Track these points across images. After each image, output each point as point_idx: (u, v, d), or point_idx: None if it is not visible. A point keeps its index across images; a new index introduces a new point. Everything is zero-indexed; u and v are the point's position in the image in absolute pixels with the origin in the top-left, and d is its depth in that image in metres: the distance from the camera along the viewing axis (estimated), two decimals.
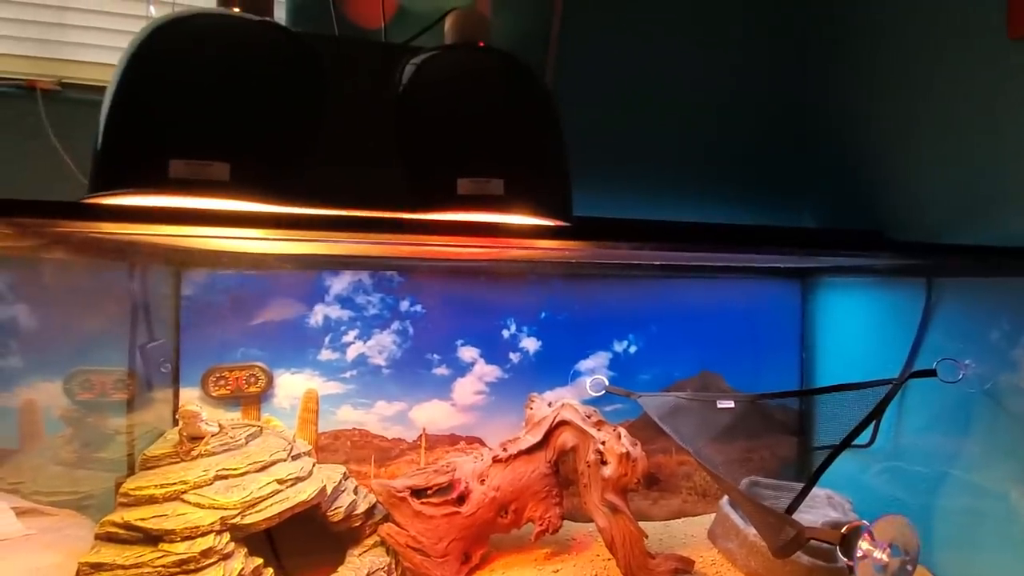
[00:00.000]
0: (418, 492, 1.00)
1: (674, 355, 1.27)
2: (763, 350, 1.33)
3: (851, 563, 0.68)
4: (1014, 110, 0.92)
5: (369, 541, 0.94)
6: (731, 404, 1.08)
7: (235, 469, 0.83)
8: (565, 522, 1.08)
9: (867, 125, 1.19)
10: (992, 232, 0.94)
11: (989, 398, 0.97)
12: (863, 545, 0.68)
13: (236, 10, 0.64)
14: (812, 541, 0.76)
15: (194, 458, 0.84)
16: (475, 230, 0.60)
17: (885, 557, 0.68)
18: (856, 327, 1.25)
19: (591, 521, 1.12)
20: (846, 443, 1.01)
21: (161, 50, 0.58)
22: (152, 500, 0.76)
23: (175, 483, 0.78)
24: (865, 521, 0.70)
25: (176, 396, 0.99)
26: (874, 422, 1.13)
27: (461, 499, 1.01)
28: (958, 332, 1.03)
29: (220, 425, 0.91)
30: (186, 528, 0.72)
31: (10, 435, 0.87)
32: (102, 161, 0.58)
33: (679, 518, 1.27)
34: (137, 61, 0.58)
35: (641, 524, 1.09)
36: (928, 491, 1.08)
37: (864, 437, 1.14)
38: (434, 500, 0.99)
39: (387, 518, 0.97)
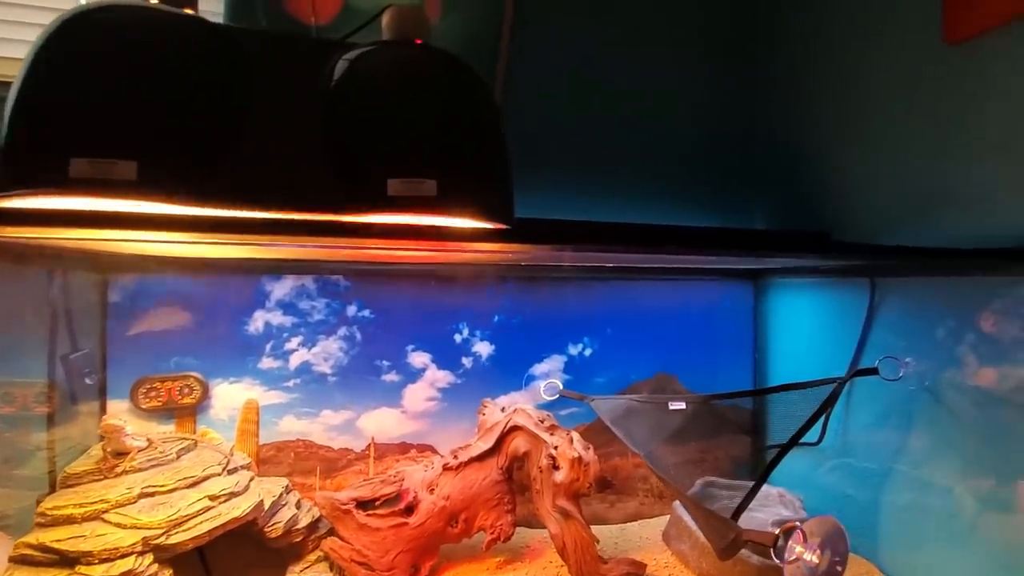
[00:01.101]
0: (364, 504, 0.97)
1: (629, 357, 1.27)
2: (717, 351, 1.34)
3: (783, 564, 0.68)
4: (950, 113, 0.95)
5: (312, 557, 0.91)
6: (682, 406, 1.09)
7: (163, 486, 0.79)
8: (519, 529, 1.07)
9: (814, 128, 1.22)
10: (933, 232, 0.97)
11: (931, 395, 1.00)
12: (795, 547, 0.68)
13: (153, 1, 0.60)
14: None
15: (118, 475, 0.79)
16: (400, 233, 0.57)
17: (815, 558, 0.68)
18: (806, 326, 1.28)
19: (543, 527, 1.11)
20: (793, 441, 1.02)
21: (65, 43, 0.54)
22: (70, 520, 0.71)
23: (95, 502, 0.73)
24: (798, 523, 0.70)
25: (103, 409, 0.93)
26: (822, 420, 1.15)
27: (409, 509, 0.98)
28: (901, 330, 1.06)
29: (149, 439, 0.87)
30: (104, 550, 0.67)
31: None
32: (1, 161, 0.54)
33: (635, 520, 1.26)
34: (40, 54, 0.54)
35: (597, 527, 1.08)
36: (876, 487, 1.10)
37: (813, 435, 1.16)
38: (381, 512, 0.96)
39: (331, 532, 0.94)
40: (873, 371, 1.03)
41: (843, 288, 1.19)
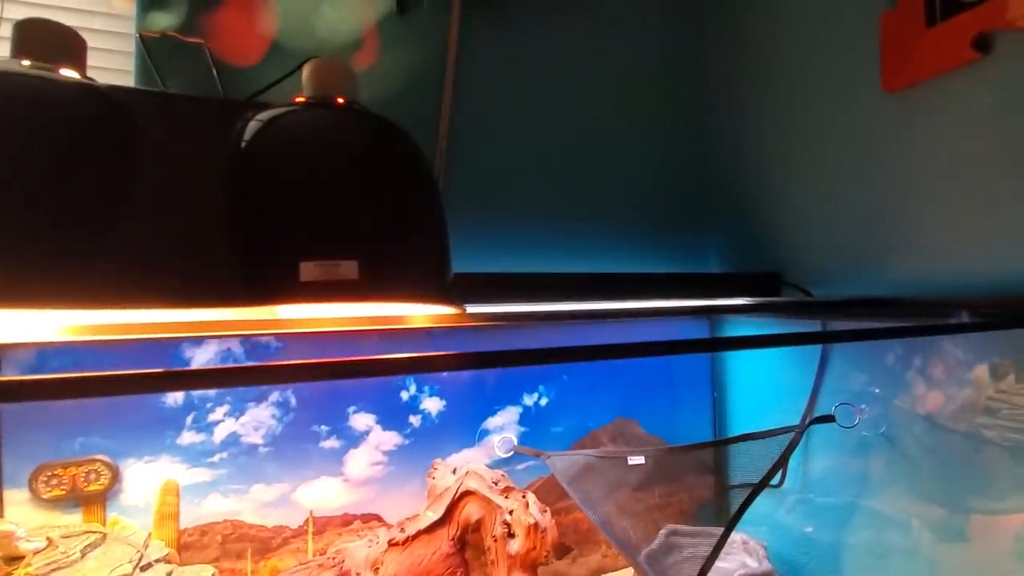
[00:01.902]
0: None
1: (587, 403, 1.23)
2: (676, 393, 1.31)
3: None
4: (889, 159, 0.95)
5: None
6: (641, 460, 1.05)
7: None
8: None
9: (766, 171, 1.22)
10: (877, 275, 0.97)
11: (886, 436, 0.99)
12: None
13: (25, 63, 0.52)
14: None
15: None
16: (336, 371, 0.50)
17: None
18: (763, 364, 1.26)
19: None
20: (756, 493, 1.00)
21: None
22: None
23: None
24: None
25: (0, 501, 0.82)
26: (784, 464, 1.14)
27: None
28: (859, 365, 1.05)
29: (48, 538, 0.76)
30: None
31: None
32: None
33: (600, 575, 1.21)
34: None
35: None
36: (836, 526, 1.09)
37: (774, 479, 1.15)
38: None
39: None
40: (830, 418, 1.02)
41: (798, 326, 1.18)
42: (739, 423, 1.34)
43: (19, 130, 0.47)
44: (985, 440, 0.86)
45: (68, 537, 0.79)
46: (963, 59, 0.83)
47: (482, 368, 0.67)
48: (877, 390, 1.00)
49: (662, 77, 1.33)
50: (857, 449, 1.05)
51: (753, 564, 1.08)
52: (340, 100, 0.65)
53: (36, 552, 0.74)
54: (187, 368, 0.52)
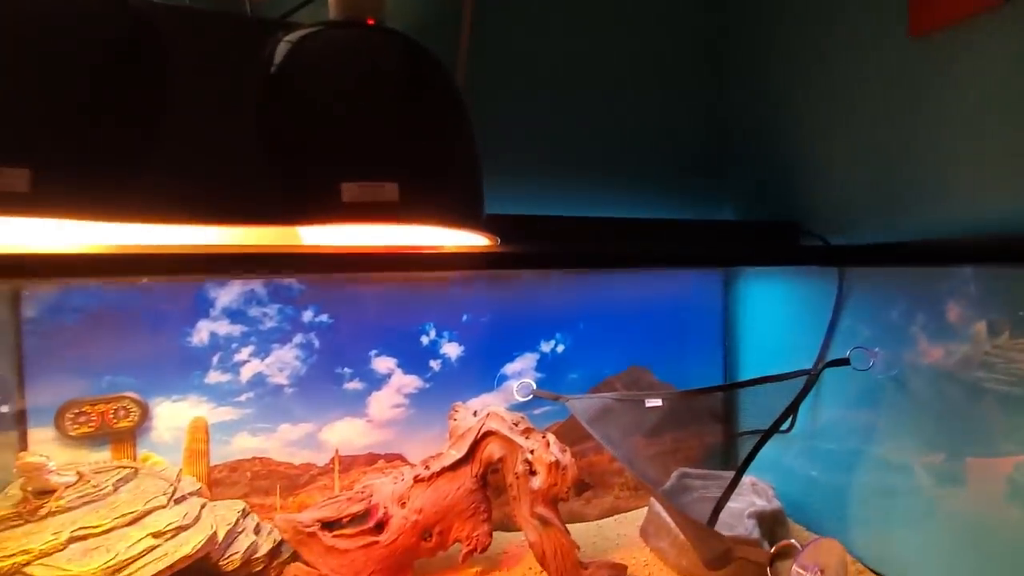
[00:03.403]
0: (330, 524, 0.90)
1: (602, 352, 1.24)
2: (689, 341, 1.33)
3: None
4: (914, 106, 0.94)
5: None
6: (659, 403, 1.06)
7: (97, 527, 0.70)
8: (497, 533, 1.03)
9: (785, 119, 1.20)
10: (900, 221, 0.97)
11: (897, 381, 1.01)
12: (797, 570, 0.67)
13: None
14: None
15: (43, 518, 0.70)
16: (361, 263, 0.50)
17: None
18: (776, 315, 1.27)
19: (521, 530, 1.08)
20: (768, 435, 1.02)
21: None
22: None
23: (14, 554, 0.64)
24: (795, 542, 0.69)
25: (24, 439, 0.82)
26: (795, 409, 1.16)
27: (379, 526, 0.93)
28: (868, 318, 1.06)
29: (79, 473, 0.77)
30: None
31: None
32: None
33: (612, 515, 1.25)
34: None
35: (574, 525, 1.05)
36: (843, 470, 1.12)
37: (784, 423, 1.17)
38: (348, 531, 0.90)
39: (295, 557, 0.87)
40: (845, 362, 1.04)
41: (812, 277, 1.19)
42: (750, 372, 1.36)
43: (57, 35, 0.45)
44: (982, 391, 0.88)
45: (100, 472, 0.80)
46: (989, 3, 0.82)
47: (501, 267, 0.67)
48: (884, 345, 1.01)
49: (682, 22, 1.30)
50: (864, 396, 1.07)
51: (762, 503, 1.12)
52: (370, 21, 0.63)
53: (67, 486, 0.75)
54: (196, 252, 0.51)
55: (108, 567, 0.66)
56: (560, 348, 1.20)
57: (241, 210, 0.51)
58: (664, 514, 1.09)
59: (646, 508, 1.18)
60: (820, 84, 1.11)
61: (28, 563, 0.64)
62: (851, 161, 1.07)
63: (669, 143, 1.29)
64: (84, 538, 0.69)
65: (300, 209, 0.53)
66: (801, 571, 0.66)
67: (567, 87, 1.19)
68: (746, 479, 1.19)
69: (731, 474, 1.00)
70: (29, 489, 0.71)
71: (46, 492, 0.72)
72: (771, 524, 1.09)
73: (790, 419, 1.18)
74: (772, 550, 0.69)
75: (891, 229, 1.00)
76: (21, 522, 0.69)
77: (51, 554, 0.65)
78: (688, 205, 1.29)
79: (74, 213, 0.44)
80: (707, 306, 1.35)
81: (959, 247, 0.87)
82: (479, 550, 0.97)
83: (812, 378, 1.04)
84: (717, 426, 1.38)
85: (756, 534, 1.05)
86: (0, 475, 0.80)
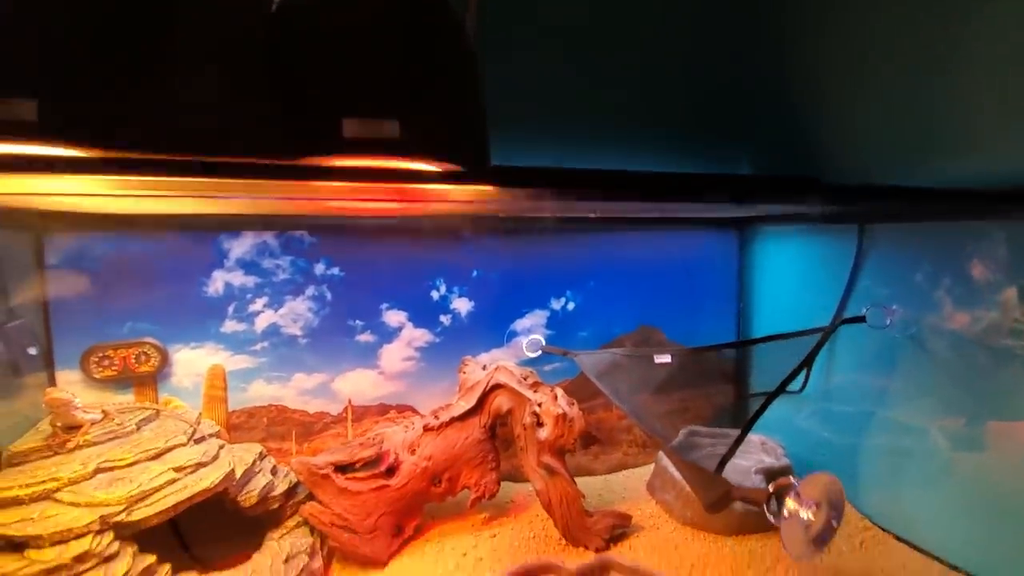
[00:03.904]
0: (343, 468, 0.94)
1: (613, 310, 1.24)
2: (701, 301, 1.32)
3: (777, 523, 0.67)
4: (938, 55, 0.89)
5: (290, 523, 0.88)
6: (668, 359, 1.06)
7: (121, 460, 0.74)
8: (505, 484, 1.05)
9: (803, 72, 1.15)
10: (922, 178, 0.93)
11: (913, 341, 0.99)
12: (789, 504, 0.67)
13: None
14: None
15: (71, 451, 0.74)
16: (356, 175, 0.50)
17: (810, 515, 0.67)
18: (792, 275, 1.25)
19: (528, 481, 1.10)
20: (778, 391, 1.01)
21: None
22: (17, 502, 0.66)
23: (44, 481, 0.68)
24: (793, 479, 0.69)
25: (52, 380, 0.86)
26: (806, 369, 1.15)
27: (391, 471, 0.95)
28: (887, 277, 1.04)
29: (104, 411, 0.81)
30: (56, 532, 0.63)
31: None
32: None
33: (620, 471, 1.27)
34: None
35: (582, 479, 1.07)
36: (855, 431, 1.11)
37: (796, 383, 1.16)
38: (360, 475, 0.93)
39: (310, 497, 0.91)
40: (860, 319, 1.02)
41: (830, 235, 1.16)
42: (763, 334, 1.34)
43: None
44: (1009, 357, 0.86)
45: (124, 412, 0.84)
46: None
47: (509, 186, 0.66)
48: (905, 307, 0.99)
49: None
50: (880, 358, 1.05)
51: (770, 460, 1.12)
52: None
53: (93, 423, 0.78)
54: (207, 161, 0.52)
55: (132, 495, 0.69)
56: (570, 306, 1.20)
57: (244, 144, 0.51)
58: (671, 468, 1.10)
59: (653, 464, 1.19)
60: (842, 33, 1.06)
61: (57, 489, 0.68)
62: (871, 112, 1.02)
63: (687, 97, 1.25)
64: (110, 469, 0.72)
65: (303, 144, 0.53)
66: (796, 505, 0.66)
67: (584, 37, 1.15)
68: (756, 438, 1.20)
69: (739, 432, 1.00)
70: (58, 424, 0.75)
71: (73, 427, 0.75)
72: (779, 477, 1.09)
73: (803, 379, 1.17)
74: (770, 488, 0.69)
75: (911, 183, 0.96)
76: (51, 454, 0.73)
77: (79, 482, 0.69)
78: (705, 160, 1.26)
79: (80, 143, 0.45)
80: (721, 266, 1.33)
81: (987, 197, 0.84)
82: (487, 497, 1.00)
83: (826, 335, 1.02)
84: (728, 387, 1.38)
85: (763, 488, 1.06)
86: (32, 413, 0.85)
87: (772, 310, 1.31)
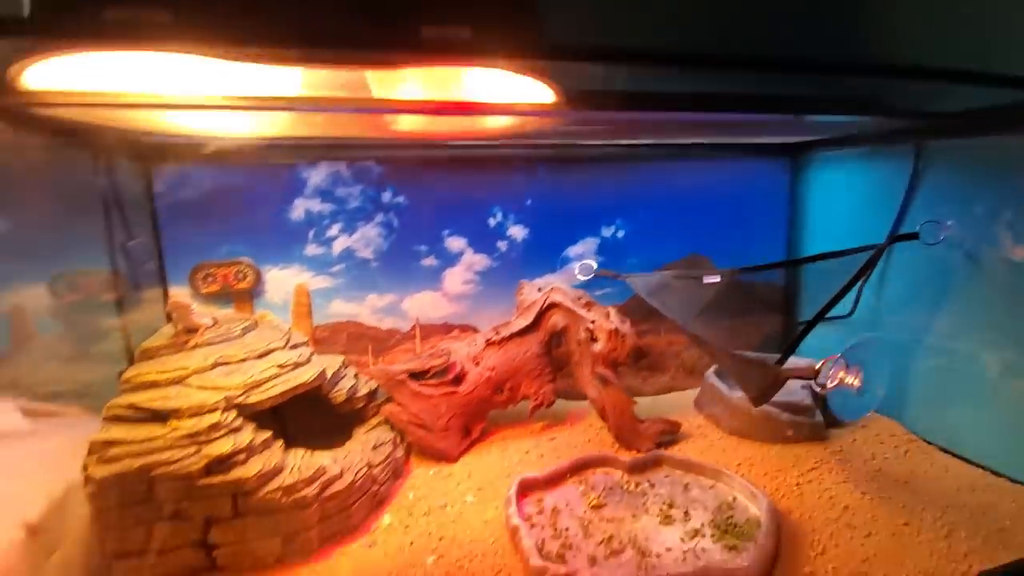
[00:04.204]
0: (416, 375, 1.04)
1: (662, 238, 1.27)
2: (751, 231, 1.33)
3: (824, 392, 0.72)
4: None
5: (373, 421, 0.99)
6: (717, 278, 1.10)
7: (233, 356, 0.85)
8: (559, 401, 1.13)
9: None
10: (982, 98, 0.91)
11: (967, 262, 0.99)
12: (838, 374, 0.72)
13: None
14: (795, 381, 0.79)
15: (191, 349, 0.85)
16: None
17: (857, 382, 0.72)
18: (844, 202, 1.25)
19: (584, 399, 1.18)
20: (830, 306, 1.02)
21: None
22: (154, 385, 0.78)
23: (175, 369, 0.80)
24: (840, 353, 0.74)
25: (165, 295, 0.99)
26: (857, 290, 1.17)
27: (458, 380, 1.05)
28: (943, 199, 1.03)
29: (214, 318, 0.92)
30: (192, 407, 0.75)
31: (2, 343, 0.88)
32: (31, 20, 0.53)
33: (667, 393, 1.33)
34: None
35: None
36: (904, 354, 1.13)
37: (845, 308, 1.18)
38: (432, 382, 1.03)
39: (389, 401, 1.01)
40: (914, 236, 1.02)
41: (885, 159, 1.15)
42: (809, 268, 1.35)
43: None
44: None
45: (229, 320, 0.95)
46: None
47: (579, 103, 0.70)
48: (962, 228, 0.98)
49: None
50: (933, 279, 1.05)
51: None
52: None
53: (207, 328, 0.90)
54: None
55: (247, 384, 0.80)
56: (620, 234, 1.25)
57: (326, 44, 0.57)
58: (718, 383, 1.16)
59: (699, 389, 1.25)
60: None
61: (187, 377, 0.80)
62: (929, 28, 0.99)
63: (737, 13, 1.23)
64: (226, 364, 0.84)
65: (380, 46, 0.59)
66: (841, 371, 0.71)
67: None
68: (802, 362, 1.23)
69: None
70: (179, 327, 0.87)
71: (191, 330, 0.87)
72: (825, 397, 1.13)
73: (853, 302, 1.19)
74: (818, 364, 0.74)
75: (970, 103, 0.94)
76: (175, 351, 0.85)
77: (202, 372, 0.81)
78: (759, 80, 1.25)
79: (209, 46, 0.52)
80: (771, 194, 1.34)
81: None
82: (545, 405, 1.08)
83: (878, 252, 1.03)
84: (774, 315, 1.40)
85: (808, 402, 1.10)
86: (152, 324, 0.98)
87: (823, 240, 1.32)
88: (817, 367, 0.73)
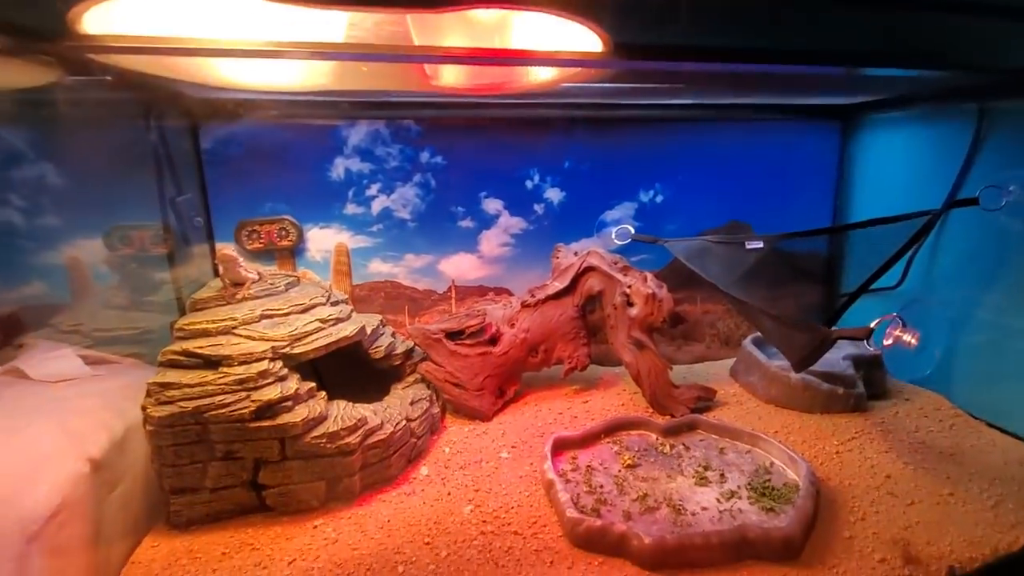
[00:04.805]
0: (452, 335, 1.05)
1: (702, 204, 1.24)
2: (795, 198, 1.29)
3: (879, 351, 0.70)
4: None
5: (410, 378, 1.01)
6: (760, 244, 1.07)
7: (278, 309, 0.87)
8: (591, 366, 1.13)
9: None
10: None
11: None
12: (894, 332, 0.70)
13: None
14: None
15: (239, 301, 0.88)
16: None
17: (915, 341, 0.70)
18: (897, 169, 1.19)
19: (618, 364, 1.18)
20: (878, 275, 0.98)
21: None
22: (205, 333, 0.81)
23: (225, 319, 0.83)
24: (896, 314, 0.71)
25: (212, 250, 1.02)
26: (907, 260, 1.12)
27: (493, 341, 1.06)
28: (1006, 162, 0.97)
29: (259, 272, 0.94)
30: (241, 354, 0.77)
31: (61, 291, 0.92)
32: None
33: (701, 362, 1.32)
34: None
35: None
36: (952, 330, 1.09)
37: (892, 279, 1.14)
38: (468, 342, 1.04)
39: (425, 359, 1.03)
40: (973, 201, 0.97)
41: (943, 120, 1.09)
42: (856, 236, 1.30)
43: None
44: None
45: (273, 276, 0.98)
46: None
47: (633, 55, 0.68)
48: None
49: None
50: (988, 251, 1.01)
51: (856, 351, 1.13)
52: None
53: (253, 281, 0.92)
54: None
55: (292, 335, 0.83)
56: (659, 199, 1.22)
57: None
58: (756, 352, 1.14)
59: (734, 360, 1.23)
60: None
61: (235, 327, 0.82)
62: None
63: None
64: (271, 316, 0.86)
65: None
66: (899, 332, 0.69)
67: None
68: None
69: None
70: (227, 279, 0.90)
71: (238, 283, 0.90)
72: (867, 367, 1.11)
73: (902, 273, 1.15)
74: (872, 324, 0.71)
75: None
76: (224, 303, 0.88)
77: (250, 323, 0.84)
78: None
79: None
80: (819, 159, 1.29)
81: None
82: (579, 368, 1.09)
83: (933, 219, 0.98)
84: (815, 287, 1.36)
85: (851, 372, 1.08)
86: (200, 278, 1.01)
87: (872, 207, 1.26)
88: (872, 326, 0.71)
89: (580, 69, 0.78)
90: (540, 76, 0.83)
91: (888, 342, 0.69)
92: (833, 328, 0.77)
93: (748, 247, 1.08)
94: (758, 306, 0.90)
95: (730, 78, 0.91)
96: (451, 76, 0.84)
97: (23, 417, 0.70)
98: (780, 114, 1.23)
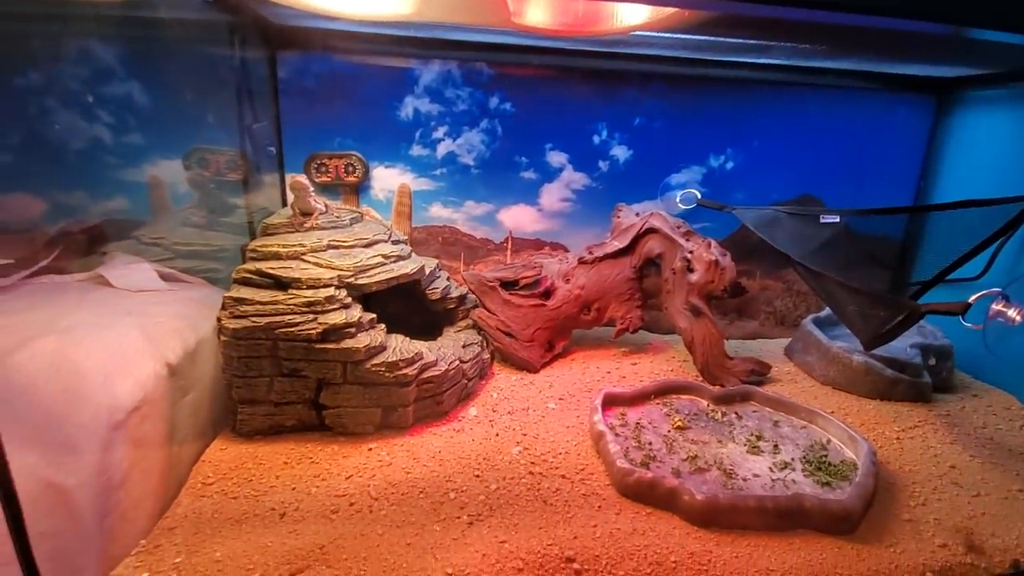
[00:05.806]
0: (506, 285, 1.05)
1: (773, 174, 1.19)
2: (874, 177, 1.22)
3: (978, 327, 0.65)
4: None
5: (463, 323, 1.02)
6: (836, 218, 1.02)
7: (344, 241, 0.89)
8: (641, 331, 1.12)
9: None
10: None
11: None
12: (995, 306, 0.66)
13: None
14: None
15: (307, 230, 0.90)
16: None
17: (1019, 317, 0.66)
18: (997, 153, 1.10)
19: (668, 332, 1.16)
20: (958, 264, 0.92)
21: None
22: (277, 256, 0.83)
23: (294, 245, 0.85)
24: (997, 290, 0.67)
25: (282, 180, 1.04)
26: (994, 249, 1.05)
27: (547, 294, 1.06)
28: None
29: (326, 204, 0.96)
30: (310, 279, 0.79)
31: (142, 207, 0.96)
32: None
33: (754, 339, 1.28)
34: None
35: None
36: None
37: (974, 270, 1.07)
38: (522, 292, 1.04)
39: (477, 306, 1.04)
40: None
41: None
42: (940, 220, 1.22)
43: None
44: None
45: (339, 209, 0.99)
46: None
47: None
48: None
49: None
50: None
51: (924, 340, 1.08)
52: None
53: (320, 213, 0.94)
54: None
55: (356, 267, 0.84)
56: (729, 164, 1.17)
57: None
58: (816, 332, 1.10)
59: (789, 339, 1.19)
60: None
61: (304, 253, 0.85)
62: None
63: None
64: (337, 247, 0.88)
65: None
66: (1002, 307, 0.65)
67: None
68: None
69: None
70: (296, 208, 0.91)
71: (307, 213, 0.92)
72: (937, 356, 1.05)
73: (986, 262, 1.08)
74: (970, 300, 0.67)
75: None
76: (293, 230, 0.90)
77: (318, 252, 0.86)
78: None
79: None
80: (907, 136, 1.21)
81: None
82: (631, 329, 1.07)
83: None
84: (885, 272, 1.30)
85: (917, 360, 1.03)
86: (271, 206, 1.03)
87: (961, 190, 1.18)
88: (969, 301, 0.66)
89: (673, 11, 0.75)
90: (627, 19, 0.80)
91: (990, 315, 0.65)
92: (923, 302, 0.73)
93: (823, 220, 1.03)
94: (836, 278, 0.85)
95: (827, 31, 0.85)
96: (535, 13, 0.81)
97: (109, 317, 0.74)
98: (870, 83, 1.16)
